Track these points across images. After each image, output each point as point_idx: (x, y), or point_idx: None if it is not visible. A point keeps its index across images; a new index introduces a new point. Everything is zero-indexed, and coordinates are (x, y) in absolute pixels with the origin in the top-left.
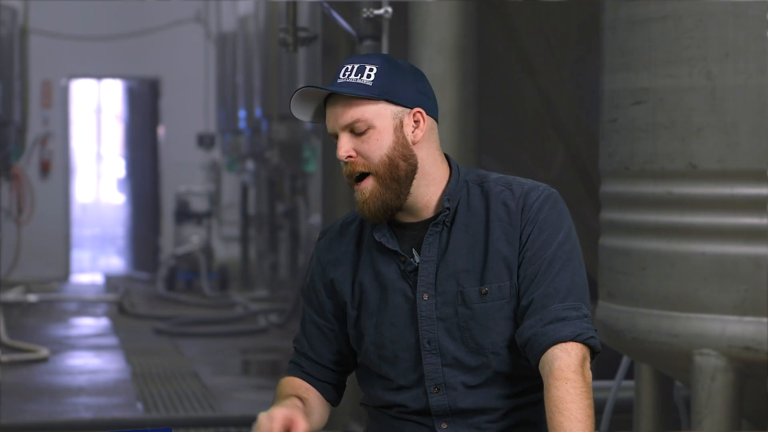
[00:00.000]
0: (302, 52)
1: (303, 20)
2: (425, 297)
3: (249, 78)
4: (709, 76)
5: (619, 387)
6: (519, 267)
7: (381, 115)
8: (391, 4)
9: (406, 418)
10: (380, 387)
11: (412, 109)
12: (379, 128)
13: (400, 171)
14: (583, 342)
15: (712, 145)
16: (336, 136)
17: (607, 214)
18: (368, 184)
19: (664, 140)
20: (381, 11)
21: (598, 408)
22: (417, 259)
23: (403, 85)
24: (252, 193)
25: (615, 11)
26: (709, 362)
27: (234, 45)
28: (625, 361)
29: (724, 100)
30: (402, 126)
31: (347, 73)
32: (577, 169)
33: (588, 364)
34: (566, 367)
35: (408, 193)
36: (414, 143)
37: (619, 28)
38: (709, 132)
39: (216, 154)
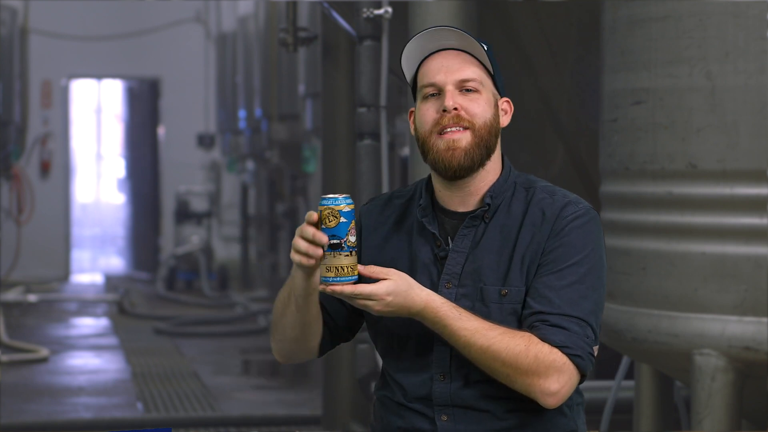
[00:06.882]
0: (302, 52)
1: (303, 20)
2: (448, 286)
3: (249, 78)
4: (709, 76)
5: (619, 387)
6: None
7: (488, 86)
8: (391, 4)
9: (410, 406)
10: (389, 365)
11: (502, 97)
12: (484, 95)
13: (492, 141)
14: (568, 355)
15: (712, 145)
16: (437, 92)
17: (607, 214)
18: (466, 135)
19: (664, 140)
20: (381, 11)
21: (598, 408)
22: (450, 247)
23: (500, 74)
24: (252, 193)
25: (615, 11)
26: (709, 362)
27: (234, 45)
28: (625, 361)
29: (724, 100)
30: (497, 106)
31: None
32: (577, 169)
33: (557, 377)
34: (536, 344)
35: (485, 166)
36: (502, 126)
37: (619, 28)
38: (709, 132)
39: (216, 154)
